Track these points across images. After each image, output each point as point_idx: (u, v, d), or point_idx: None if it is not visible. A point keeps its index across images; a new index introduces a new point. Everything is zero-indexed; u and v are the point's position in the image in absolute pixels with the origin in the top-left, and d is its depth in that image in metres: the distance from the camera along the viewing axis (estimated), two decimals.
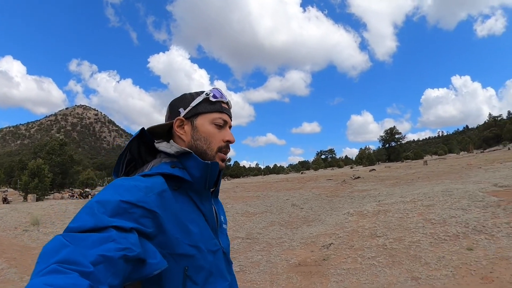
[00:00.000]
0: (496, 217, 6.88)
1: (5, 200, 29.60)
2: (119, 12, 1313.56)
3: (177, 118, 1.13)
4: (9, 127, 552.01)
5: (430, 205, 8.92)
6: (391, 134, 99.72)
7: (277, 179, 38.94)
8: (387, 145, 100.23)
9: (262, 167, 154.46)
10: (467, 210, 7.74)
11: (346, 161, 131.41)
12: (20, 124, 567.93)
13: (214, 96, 1.14)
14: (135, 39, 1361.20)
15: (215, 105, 1.14)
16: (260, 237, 9.60)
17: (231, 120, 1.21)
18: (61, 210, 16.56)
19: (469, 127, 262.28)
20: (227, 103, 1.19)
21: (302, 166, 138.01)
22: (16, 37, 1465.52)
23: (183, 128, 1.13)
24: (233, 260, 1.27)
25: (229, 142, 1.17)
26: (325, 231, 8.71)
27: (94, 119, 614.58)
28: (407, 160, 71.08)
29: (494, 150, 59.72)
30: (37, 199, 28.25)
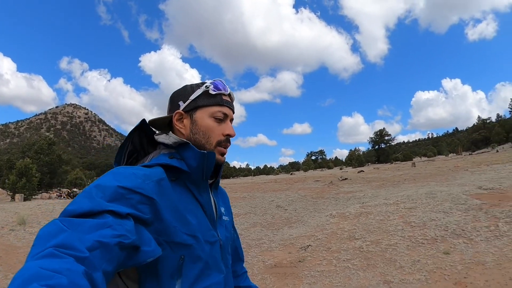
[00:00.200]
0: (477, 221, 6.79)
1: None
2: (111, 10, 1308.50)
3: (176, 111, 1.12)
4: None
5: (412, 207, 8.83)
6: (380, 135, 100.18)
7: (266, 180, 38.99)
8: (376, 147, 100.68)
9: (253, 167, 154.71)
10: (448, 213, 7.65)
11: (336, 162, 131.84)
12: (10, 122, 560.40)
13: (214, 89, 1.12)
14: (126, 38, 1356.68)
15: (215, 98, 1.12)
16: (240, 238, 9.39)
17: (233, 113, 1.19)
18: (48, 210, 16.38)
19: (459, 130, 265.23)
20: (228, 95, 1.17)
21: (292, 167, 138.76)
22: (7, 33, 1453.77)
23: (182, 121, 1.13)
24: None
25: (229, 136, 1.15)
26: (305, 233, 8.61)
27: (84, 118, 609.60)
28: (396, 162, 71.56)
29: (483, 152, 60.28)
30: (25, 199, 27.99)
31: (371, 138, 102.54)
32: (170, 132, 1.14)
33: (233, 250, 1.38)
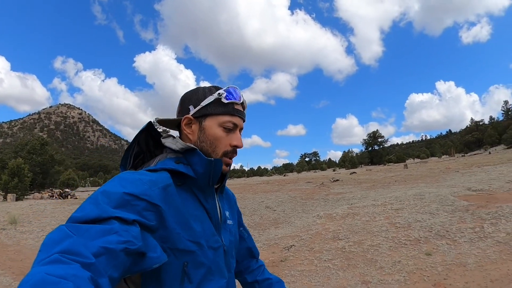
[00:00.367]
0: (462, 222, 6.73)
1: None
2: (106, 9, 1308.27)
3: (186, 116, 1.09)
4: None
5: (399, 208, 8.79)
6: (374, 137, 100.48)
7: (258, 181, 39.06)
8: (370, 149, 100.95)
9: (247, 169, 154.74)
10: (434, 214, 7.59)
11: (330, 163, 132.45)
12: (3, 122, 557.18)
13: (227, 97, 1.08)
14: (121, 38, 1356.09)
15: (227, 107, 1.08)
16: None
17: (244, 121, 1.15)
18: (39, 210, 16.35)
19: (452, 132, 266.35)
20: (241, 104, 1.13)
21: (286, 168, 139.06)
22: (0, 32, 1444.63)
23: (191, 127, 1.10)
24: None
25: (236, 147, 1.12)
26: (291, 233, 8.57)
27: (78, 118, 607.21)
28: (389, 164, 71.66)
29: (475, 154, 60.58)
30: (17, 199, 27.72)
31: (365, 140, 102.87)
32: (177, 137, 1.12)
33: (246, 249, 1.41)
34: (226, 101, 1.07)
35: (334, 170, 70.61)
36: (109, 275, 0.68)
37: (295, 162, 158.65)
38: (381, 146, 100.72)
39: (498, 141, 79.97)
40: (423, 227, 6.83)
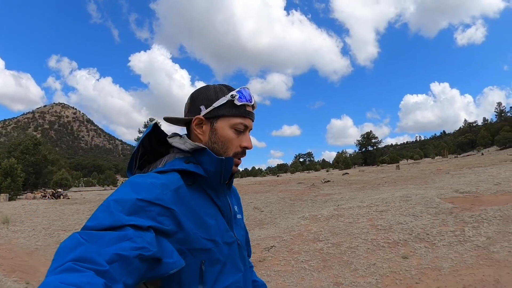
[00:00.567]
0: (444, 225, 6.68)
1: None
2: (102, 8, 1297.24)
3: (197, 117, 1.08)
4: None
5: (383, 210, 8.74)
6: (367, 138, 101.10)
7: (251, 181, 39.18)
8: (363, 149, 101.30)
9: (241, 169, 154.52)
10: (418, 217, 7.55)
11: (324, 164, 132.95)
12: None
13: (240, 99, 1.07)
14: (116, 37, 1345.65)
15: (239, 109, 1.08)
16: None
17: (253, 121, 1.16)
18: (31, 210, 16.36)
19: (446, 133, 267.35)
20: (252, 106, 1.13)
21: (280, 169, 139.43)
22: None
23: (202, 127, 1.09)
24: None
25: (246, 148, 1.13)
26: (273, 234, 8.56)
27: (73, 117, 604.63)
28: (382, 164, 71.98)
29: (468, 155, 60.91)
30: (10, 199, 27.80)
31: (358, 140, 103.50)
32: (185, 136, 1.11)
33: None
34: (239, 103, 1.07)
35: (327, 171, 70.94)
36: (123, 282, 0.68)
37: (289, 162, 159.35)
38: (375, 147, 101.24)
39: (491, 142, 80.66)
40: (404, 229, 6.79)
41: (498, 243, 5.40)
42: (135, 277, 0.72)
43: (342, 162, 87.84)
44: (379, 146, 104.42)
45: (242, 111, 1.08)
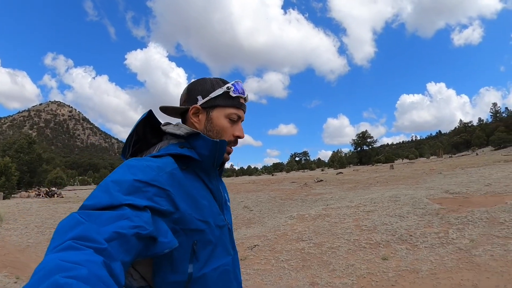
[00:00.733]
0: (429, 226, 6.61)
1: None
2: (98, 6, 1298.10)
3: (194, 106, 1.14)
4: None
5: (370, 211, 8.68)
6: (363, 138, 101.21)
7: (245, 180, 39.18)
8: (359, 149, 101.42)
9: (237, 168, 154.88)
10: (404, 218, 7.47)
11: (319, 163, 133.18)
12: None
13: (234, 91, 1.15)
14: (113, 35, 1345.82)
15: (234, 100, 1.15)
16: None
17: (244, 114, 1.23)
18: (25, 208, 16.50)
19: (442, 133, 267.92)
20: (244, 98, 1.21)
21: (276, 168, 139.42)
22: None
23: (198, 116, 1.15)
24: None
25: (238, 137, 1.19)
26: (259, 233, 8.55)
27: (68, 116, 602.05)
28: (378, 164, 72.02)
29: (463, 155, 61.02)
30: (4, 197, 27.86)
31: (354, 140, 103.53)
32: (180, 122, 1.17)
33: None
34: (234, 95, 1.14)
35: (322, 170, 70.87)
36: (121, 260, 0.69)
37: (285, 161, 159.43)
38: (370, 147, 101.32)
39: (486, 142, 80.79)
40: (388, 230, 6.72)
41: (481, 246, 5.32)
42: (132, 255, 0.74)
43: (337, 161, 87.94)
44: (375, 145, 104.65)
45: (237, 102, 1.16)
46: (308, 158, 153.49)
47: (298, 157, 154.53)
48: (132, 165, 0.91)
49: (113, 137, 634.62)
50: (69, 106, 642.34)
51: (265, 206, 14.11)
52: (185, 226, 0.95)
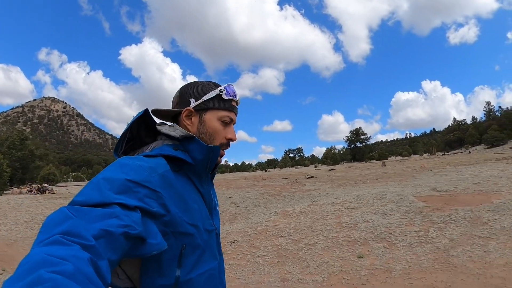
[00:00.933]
0: (411, 224, 6.53)
1: None
2: (93, 0, 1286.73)
3: (187, 108, 1.14)
4: None
5: (354, 208, 8.61)
6: (356, 134, 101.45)
7: (237, 177, 39.37)
8: (352, 146, 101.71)
9: (231, 164, 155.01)
10: (386, 215, 7.39)
11: (313, 160, 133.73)
12: None
13: (227, 94, 1.16)
14: (107, 30, 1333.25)
15: (226, 103, 1.16)
16: None
17: (236, 117, 1.23)
18: (16, 204, 16.56)
19: (436, 130, 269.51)
20: (236, 101, 1.21)
21: (270, 164, 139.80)
22: None
23: (191, 119, 1.15)
24: None
25: (230, 140, 1.19)
26: (241, 229, 8.52)
27: (62, 112, 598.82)
28: (371, 161, 72.22)
29: (456, 153, 61.26)
30: None
31: (347, 137, 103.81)
32: (175, 124, 1.15)
33: None
34: (226, 98, 1.15)
35: (315, 167, 70.98)
36: (108, 258, 0.68)
37: (279, 157, 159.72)
38: (364, 143, 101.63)
39: (479, 140, 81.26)
40: (368, 228, 6.64)
41: (460, 246, 5.23)
42: (119, 254, 0.72)
43: (331, 158, 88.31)
44: (368, 142, 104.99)
45: (229, 105, 1.16)
46: (302, 154, 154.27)
47: (292, 153, 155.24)
48: (125, 163, 0.91)
49: (107, 133, 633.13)
50: (63, 102, 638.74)
51: (252, 202, 14.11)
52: (175, 229, 0.94)
